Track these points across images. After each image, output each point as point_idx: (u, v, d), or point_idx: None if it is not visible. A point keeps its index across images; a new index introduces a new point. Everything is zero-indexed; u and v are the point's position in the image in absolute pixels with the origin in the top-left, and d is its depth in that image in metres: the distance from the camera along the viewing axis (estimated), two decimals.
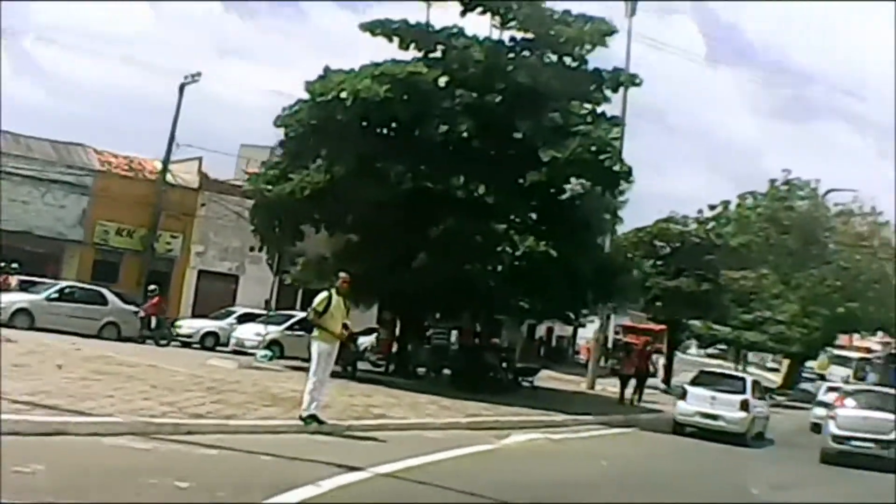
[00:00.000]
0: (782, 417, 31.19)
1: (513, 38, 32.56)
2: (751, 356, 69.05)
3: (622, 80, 33.44)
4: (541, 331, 61.53)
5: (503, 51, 32.15)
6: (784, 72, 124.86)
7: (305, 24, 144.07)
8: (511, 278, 28.80)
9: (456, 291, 29.35)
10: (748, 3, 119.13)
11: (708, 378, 29.30)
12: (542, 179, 30.18)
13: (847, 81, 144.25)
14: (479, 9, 31.82)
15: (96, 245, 44.02)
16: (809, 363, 66.83)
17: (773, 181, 59.77)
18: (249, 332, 36.71)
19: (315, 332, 17.16)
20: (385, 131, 31.20)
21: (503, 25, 32.28)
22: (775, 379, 65.17)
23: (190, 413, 15.74)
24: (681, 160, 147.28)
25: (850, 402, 25.18)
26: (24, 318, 32.35)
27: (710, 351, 74.96)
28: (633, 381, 34.99)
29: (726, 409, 26.45)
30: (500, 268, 28.73)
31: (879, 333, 66.56)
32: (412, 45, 31.73)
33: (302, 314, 32.25)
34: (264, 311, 36.51)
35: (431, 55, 31.68)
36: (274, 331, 35.57)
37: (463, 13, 31.91)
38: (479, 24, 32.38)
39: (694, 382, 28.46)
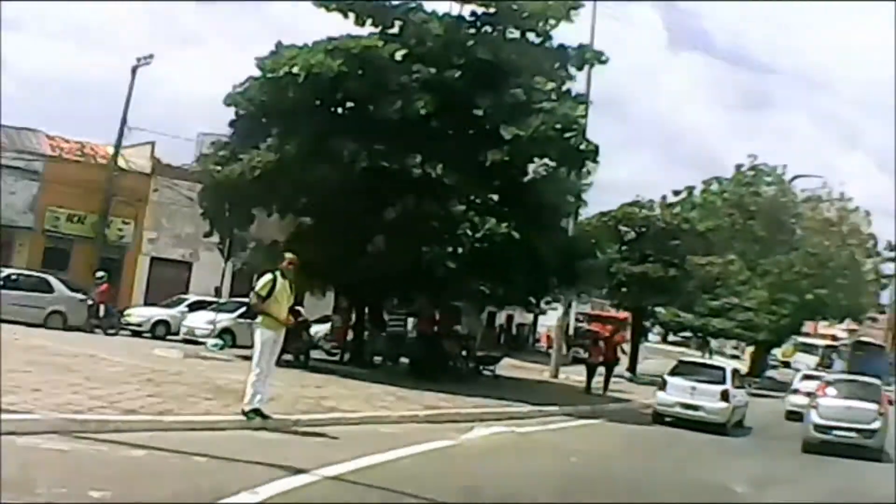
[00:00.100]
0: (753, 406, 30.57)
1: (473, 13, 31.32)
2: (713, 343, 68.67)
3: (587, 56, 32.33)
4: (501, 318, 60.57)
5: (463, 25, 30.97)
6: (744, 61, 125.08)
7: (263, 9, 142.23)
8: (471, 262, 27.76)
9: (414, 276, 28.45)
10: None
11: (687, 368, 29.20)
12: (504, 158, 28.95)
13: (810, 72, 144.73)
14: None
15: (46, 232, 42.95)
16: (774, 351, 66.60)
17: (739, 167, 59.56)
18: (200, 321, 35.86)
19: (258, 319, 15.84)
20: (339, 109, 30.21)
21: (464, 0, 31.03)
22: (740, 367, 64.61)
23: (121, 409, 14.51)
24: (638, 148, 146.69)
25: (831, 391, 24.95)
26: None
27: (672, 338, 74.34)
28: (600, 370, 34.47)
29: (707, 399, 26.30)
30: (459, 251, 27.74)
31: (847, 321, 66.53)
32: (368, 21, 30.51)
33: None
34: (216, 299, 35.56)
35: (389, 31, 30.48)
36: (225, 319, 34.88)
37: None
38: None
39: (673, 372, 28.16)
